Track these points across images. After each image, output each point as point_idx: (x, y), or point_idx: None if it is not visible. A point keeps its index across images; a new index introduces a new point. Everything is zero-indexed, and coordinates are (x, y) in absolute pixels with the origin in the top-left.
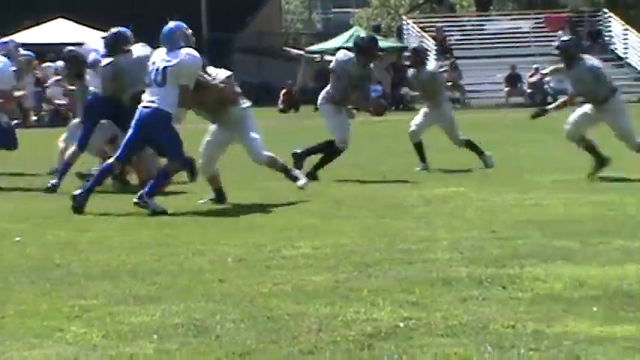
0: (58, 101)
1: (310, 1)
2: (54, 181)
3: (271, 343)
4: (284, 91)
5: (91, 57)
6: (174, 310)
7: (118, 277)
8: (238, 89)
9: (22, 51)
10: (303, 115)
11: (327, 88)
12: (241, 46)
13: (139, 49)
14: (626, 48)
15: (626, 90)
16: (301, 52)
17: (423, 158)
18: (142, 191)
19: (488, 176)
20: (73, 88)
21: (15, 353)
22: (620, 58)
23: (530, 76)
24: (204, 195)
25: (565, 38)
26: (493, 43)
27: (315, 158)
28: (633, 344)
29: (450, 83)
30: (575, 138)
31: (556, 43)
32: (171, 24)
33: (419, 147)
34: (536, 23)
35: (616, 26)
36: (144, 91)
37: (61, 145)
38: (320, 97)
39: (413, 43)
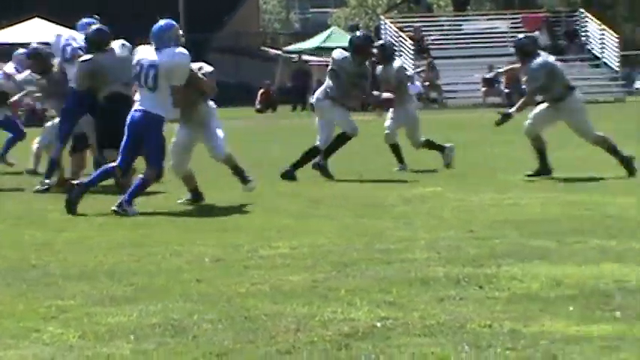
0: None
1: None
2: (47, 181)
3: (249, 343)
4: (261, 91)
5: (69, 49)
6: (152, 310)
7: (95, 277)
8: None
9: None
10: (280, 115)
11: (324, 87)
12: (219, 46)
13: (118, 49)
14: (602, 48)
15: (602, 90)
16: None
17: (400, 159)
18: (121, 199)
19: (465, 176)
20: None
21: None
22: (597, 58)
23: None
24: (181, 195)
25: (521, 36)
26: (470, 43)
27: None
28: (609, 343)
29: (427, 83)
30: (531, 135)
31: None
32: (162, 22)
33: (395, 148)
34: (513, 23)
35: (592, 26)
36: (119, 92)
37: (35, 147)
38: (316, 96)
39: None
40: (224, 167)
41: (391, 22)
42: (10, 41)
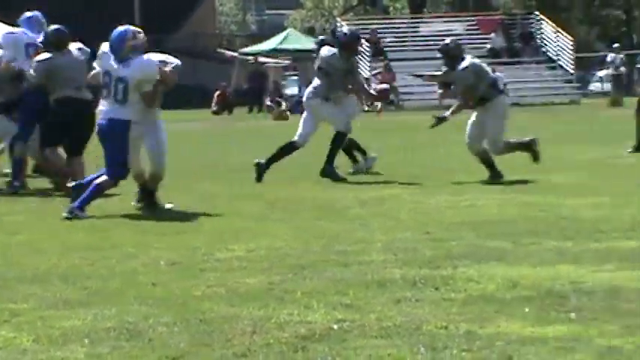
0: None
1: (244, 3)
2: (15, 183)
3: (204, 346)
4: (218, 92)
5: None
6: (106, 313)
7: (48, 280)
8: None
9: None
10: (236, 117)
11: (313, 86)
12: (175, 47)
13: (76, 52)
14: (557, 50)
15: (557, 92)
16: (235, 54)
17: (354, 159)
18: (72, 205)
19: (422, 178)
20: None
21: None
22: (552, 61)
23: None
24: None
25: (447, 41)
26: (427, 45)
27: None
28: (564, 344)
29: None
30: (474, 152)
31: (489, 46)
32: (121, 29)
33: (347, 149)
34: (469, 25)
35: (548, 29)
36: (70, 96)
37: None
38: (305, 95)
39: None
40: (180, 169)
41: (347, 24)
42: None
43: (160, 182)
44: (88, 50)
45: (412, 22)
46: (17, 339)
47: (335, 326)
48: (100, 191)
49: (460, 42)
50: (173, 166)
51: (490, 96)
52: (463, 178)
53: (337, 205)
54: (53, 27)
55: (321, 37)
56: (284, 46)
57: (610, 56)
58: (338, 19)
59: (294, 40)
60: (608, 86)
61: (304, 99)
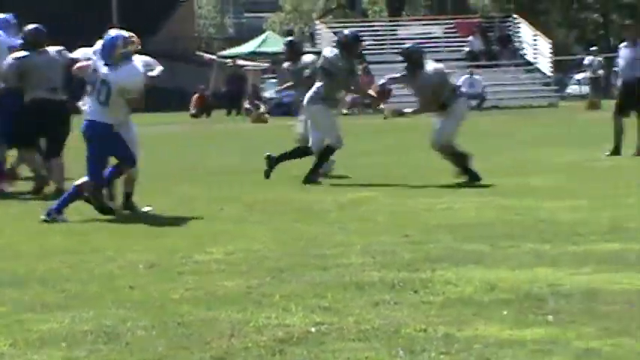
0: None
1: (223, 6)
2: None
3: (182, 349)
4: (196, 95)
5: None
6: (84, 317)
7: (26, 284)
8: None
9: None
10: (215, 120)
11: (316, 87)
12: (154, 50)
13: (54, 53)
14: (535, 53)
15: (535, 95)
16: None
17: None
18: (50, 207)
19: (400, 180)
20: None
21: None
22: (530, 64)
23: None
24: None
25: (407, 45)
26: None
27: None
28: (542, 347)
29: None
30: (445, 152)
31: (467, 49)
32: (112, 33)
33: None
34: (447, 28)
35: (526, 32)
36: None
37: None
38: (307, 97)
39: (326, 48)
40: (159, 172)
41: (326, 28)
42: None
43: (135, 183)
44: (69, 56)
45: (390, 25)
46: None
47: (313, 329)
48: (79, 193)
49: (438, 45)
50: (152, 168)
51: (451, 102)
52: (441, 181)
53: (316, 208)
54: (31, 26)
55: (289, 39)
56: (262, 49)
57: (588, 59)
58: (317, 22)
59: (273, 42)
60: (586, 89)
61: (305, 102)
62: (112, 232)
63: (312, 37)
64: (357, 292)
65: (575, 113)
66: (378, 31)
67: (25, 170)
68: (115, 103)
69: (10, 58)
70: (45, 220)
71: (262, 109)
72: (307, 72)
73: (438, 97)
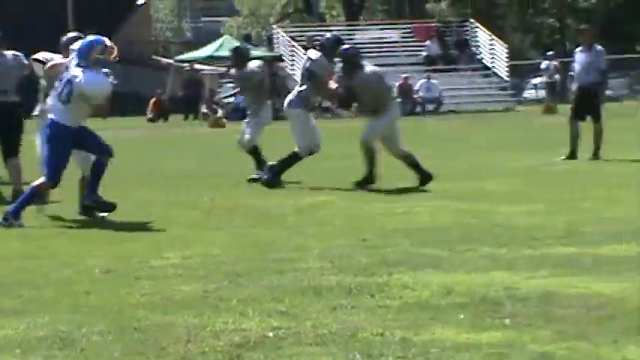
0: None
1: (180, 10)
2: None
3: (138, 354)
4: (153, 100)
5: None
6: (40, 322)
7: None
8: None
9: None
10: (172, 125)
11: (298, 90)
12: None
13: (9, 57)
14: (492, 58)
15: (492, 99)
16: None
17: (260, 166)
18: (6, 210)
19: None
20: None
21: None
22: (487, 68)
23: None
24: (73, 205)
25: (346, 47)
26: (363, 53)
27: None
28: (498, 350)
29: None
30: (396, 155)
31: (424, 53)
32: (92, 38)
33: (258, 153)
34: (404, 33)
35: (482, 36)
36: None
37: None
38: (289, 100)
39: (283, 52)
40: (116, 177)
41: (284, 32)
42: None
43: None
44: (25, 62)
45: (348, 30)
46: None
47: (270, 334)
48: (37, 194)
49: (396, 49)
50: (109, 173)
51: (386, 106)
52: (398, 185)
53: (273, 213)
54: None
55: (235, 45)
56: (220, 53)
57: (544, 64)
58: (274, 26)
59: (230, 47)
60: (542, 93)
61: (285, 105)
62: (69, 237)
63: (269, 41)
64: (314, 296)
65: (532, 117)
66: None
67: None
68: (76, 104)
69: None
70: (2, 225)
71: (219, 113)
72: (257, 77)
73: (375, 99)
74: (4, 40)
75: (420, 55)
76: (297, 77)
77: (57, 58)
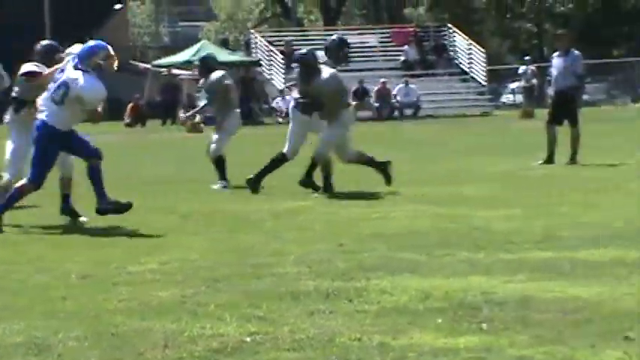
0: None
1: (157, 15)
2: None
3: None
4: (131, 105)
5: None
6: (15, 328)
7: None
8: None
9: None
10: (150, 130)
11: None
12: None
13: None
14: (470, 62)
15: (470, 104)
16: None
17: (223, 176)
18: None
19: (336, 189)
20: None
21: None
22: (465, 73)
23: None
24: (52, 210)
25: (303, 51)
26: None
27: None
28: (476, 355)
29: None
30: (352, 160)
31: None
32: (93, 43)
33: (219, 163)
34: (383, 37)
35: (460, 41)
36: None
37: None
38: (293, 105)
39: (261, 56)
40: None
41: (261, 36)
42: None
43: (71, 183)
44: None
45: (326, 35)
46: None
47: (248, 339)
48: (20, 195)
49: (374, 54)
50: (86, 178)
51: (342, 109)
52: (375, 190)
53: (251, 218)
54: None
55: (202, 55)
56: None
57: (522, 68)
58: (252, 31)
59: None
60: (519, 98)
61: (290, 107)
62: (46, 242)
63: (247, 46)
64: (292, 301)
65: (509, 122)
66: (313, 40)
67: None
68: (70, 106)
69: None
70: None
71: (197, 118)
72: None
73: (334, 103)
74: None
75: (398, 59)
76: (275, 82)
77: (46, 69)
